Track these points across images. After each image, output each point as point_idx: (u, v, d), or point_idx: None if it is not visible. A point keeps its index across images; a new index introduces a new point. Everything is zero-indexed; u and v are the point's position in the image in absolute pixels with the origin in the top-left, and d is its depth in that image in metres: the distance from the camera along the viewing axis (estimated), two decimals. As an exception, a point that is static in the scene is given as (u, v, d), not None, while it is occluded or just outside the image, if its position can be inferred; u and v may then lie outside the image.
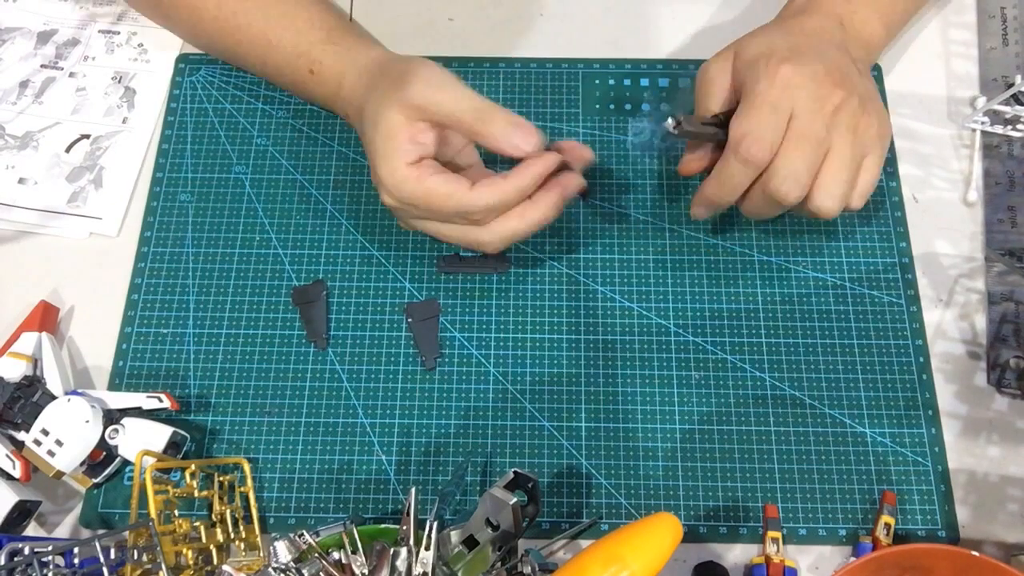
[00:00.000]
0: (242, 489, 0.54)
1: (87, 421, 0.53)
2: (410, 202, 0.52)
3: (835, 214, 0.52)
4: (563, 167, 0.54)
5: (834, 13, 0.57)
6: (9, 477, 0.53)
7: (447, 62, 0.68)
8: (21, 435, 0.53)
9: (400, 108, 0.51)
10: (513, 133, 0.51)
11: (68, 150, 0.66)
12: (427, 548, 0.48)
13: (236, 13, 0.60)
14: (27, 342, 0.56)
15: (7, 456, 0.53)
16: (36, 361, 0.56)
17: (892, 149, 0.65)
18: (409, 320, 0.59)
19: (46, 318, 0.58)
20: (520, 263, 0.61)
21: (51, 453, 0.52)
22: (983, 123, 0.65)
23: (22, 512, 0.52)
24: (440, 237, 0.55)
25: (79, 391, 0.55)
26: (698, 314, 0.60)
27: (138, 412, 0.55)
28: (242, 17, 0.60)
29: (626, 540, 0.46)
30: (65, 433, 0.52)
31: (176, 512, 0.51)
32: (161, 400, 0.55)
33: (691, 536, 0.54)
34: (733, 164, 0.52)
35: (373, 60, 0.57)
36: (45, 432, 0.53)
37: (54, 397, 0.54)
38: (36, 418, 0.53)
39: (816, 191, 0.51)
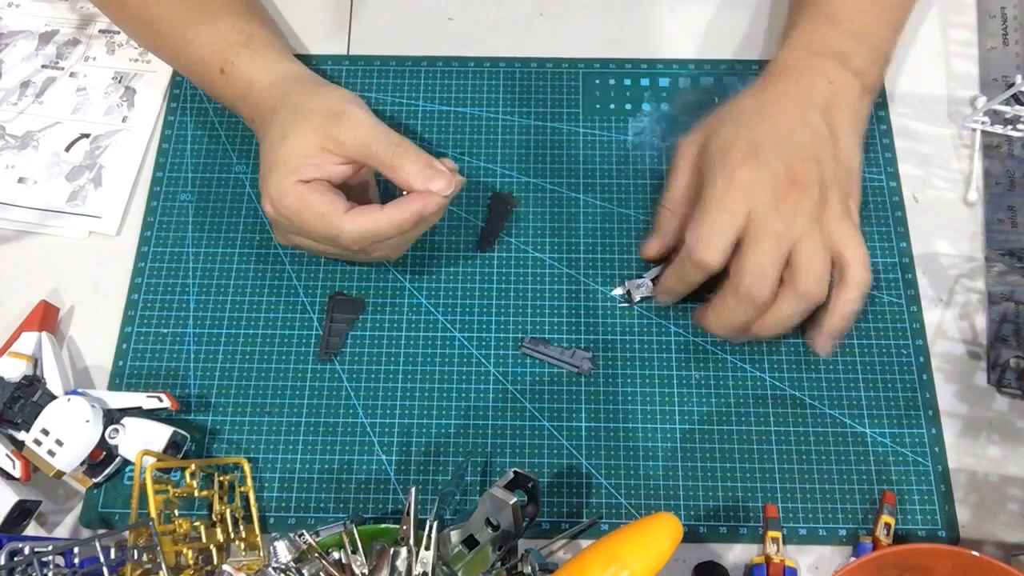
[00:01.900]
0: (242, 489, 0.54)
1: (87, 421, 0.53)
2: (287, 216, 0.53)
3: (822, 295, 0.52)
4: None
5: (830, 52, 0.57)
6: (9, 477, 0.53)
7: (447, 62, 0.68)
8: (21, 435, 0.53)
9: (319, 136, 0.52)
10: (427, 175, 0.52)
11: (68, 149, 0.66)
12: (427, 548, 0.48)
13: (159, 2, 0.60)
14: (27, 342, 0.56)
15: (7, 456, 0.53)
16: (36, 361, 0.56)
17: (892, 149, 0.65)
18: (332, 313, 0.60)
19: (46, 318, 0.58)
20: (520, 263, 0.61)
21: (51, 453, 0.52)
22: (983, 123, 0.65)
23: (22, 512, 0.52)
24: (319, 253, 0.57)
25: (79, 391, 0.55)
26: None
27: (138, 412, 0.55)
28: (164, 7, 0.60)
29: (626, 540, 0.46)
30: (65, 433, 0.52)
31: (176, 512, 0.51)
32: (161, 400, 0.55)
33: (691, 536, 0.54)
34: (687, 266, 0.53)
35: (288, 73, 0.58)
36: (45, 432, 0.52)
37: (54, 397, 0.54)
38: (36, 418, 0.53)
39: (798, 277, 0.51)
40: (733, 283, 0.52)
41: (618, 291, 0.59)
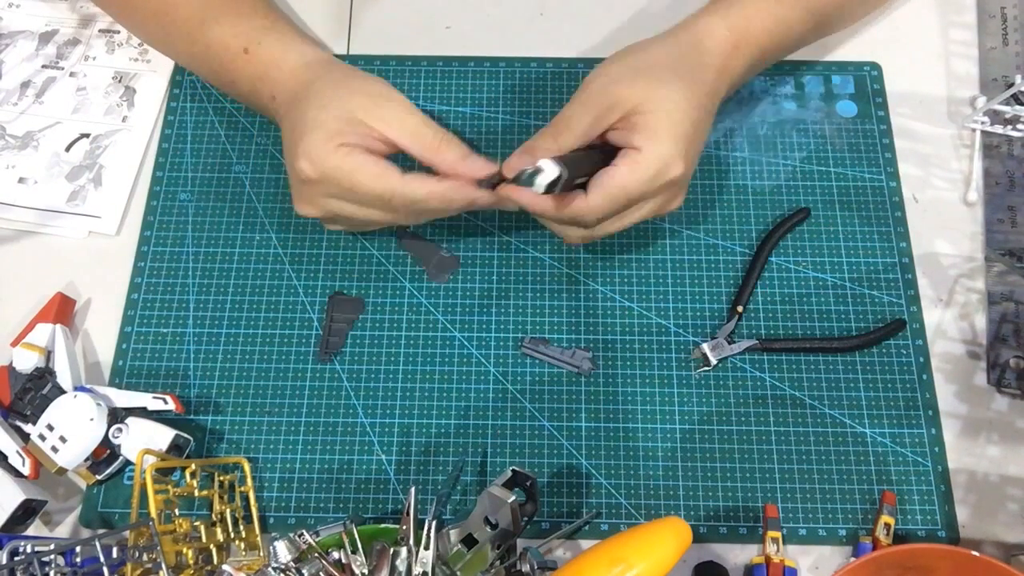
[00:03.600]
0: (242, 489, 0.54)
1: (92, 419, 0.53)
2: (333, 174, 0.52)
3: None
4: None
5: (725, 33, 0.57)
6: (17, 474, 0.53)
7: (447, 62, 0.68)
8: (28, 427, 0.54)
9: (363, 113, 0.52)
10: (470, 162, 0.53)
11: (68, 149, 0.66)
12: (426, 547, 0.48)
13: None
14: (41, 333, 0.56)
15: (17, 452, 0.53)
16: (49, 353, 0.56)
17: (892, 149, 0.65)
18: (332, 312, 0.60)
19: (61, 310, 0.58)
20: (520, 263, 0.61)
21: (55, 449, 0.52)
22: (983, 123, 0.65)
23: (27, 511, 0.52)
24: (349, 216, 0.55)
25: (87, 387, 0.55)
26: (698, 314, 0.60)
27: (142, 412, 0.55)
28: None
29: (631, 542, 0.46)
30: (70, 430, 0.52)
31: (176, 511, 0.51)
32: (166, 402, 0.55)
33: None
34: (601, 204, 0.51)
35: (322, 57, 0.58)
36: (50, 427, 0.53)
37: (63, 391, 0.54)
38: (44, 411, 0.53)
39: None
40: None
41: (696, 355, 0.58)
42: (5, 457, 0.53)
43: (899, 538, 0.53)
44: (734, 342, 0.58)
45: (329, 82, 0.55)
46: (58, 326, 0.57)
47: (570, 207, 0.51)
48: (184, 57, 0.65)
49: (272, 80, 0.57)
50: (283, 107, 0.56)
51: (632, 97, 0.51)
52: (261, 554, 0.53)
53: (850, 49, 0.69)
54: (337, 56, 0.68)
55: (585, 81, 0.54)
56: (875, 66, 0.68)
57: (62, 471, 0.52)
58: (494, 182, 0.52)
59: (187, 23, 0.60)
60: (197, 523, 0.51)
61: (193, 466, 0.53)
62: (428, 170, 0.53)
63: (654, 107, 0.51)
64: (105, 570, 0.46)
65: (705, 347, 0.58)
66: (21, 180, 0.64)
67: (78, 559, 0.47)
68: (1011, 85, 0.62)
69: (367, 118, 0.52)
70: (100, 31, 0.70)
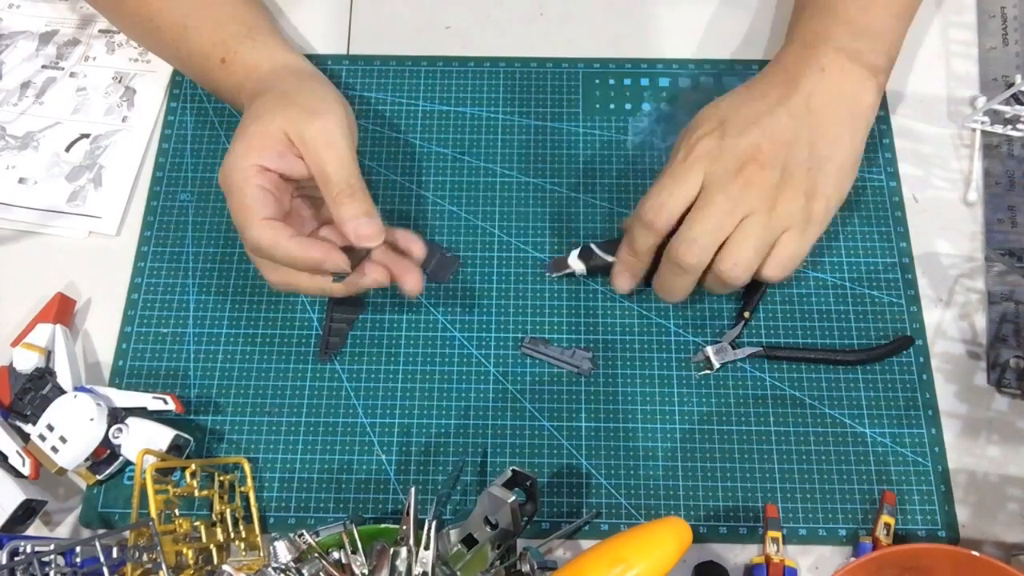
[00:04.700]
0: (242, 489, 0.54)
1: (92, 419, 0.53)
2: (225, 189, 0.52)
3: (741, 282, 0.52)
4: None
5: (823, 42, 0.55)
6: (17, 474, 0.53)
7: (447, 62, 0.68)
8: (28, 428, 0.54)
9: (288, 126, 0.51)
10: (358, 223, 0.51)
11: (68, 149, 0.66)
12: (426, 548, 0.48)
13: None
14: (41, 334, 0.56)
15: (17, 453, 0.53)
16: (49, 353, 0.56)
17: (892, 149, 0.65)
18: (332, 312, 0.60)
19: (61, 310, 0.58)
20: (520, 263, 0.61)
21: (55, 449, 0.52)
22: (983, 123, 0.65)
23: (27, 511, 0.52)
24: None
25: (87, 387, 0.55)
26: (698, 314, 0.60)
27: (142, 412, 0.55)
28: (164, 2, 0.60)
29: (631, 542, 0.46)
30: (69, 430, 0.52)
31: (176, 512, 0.51)
32: (166, 402, 0.55)
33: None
34: (637, 228, 0.54)
35: (290, 63, 0.58)
36: (50, 427, 0.53)
37: (63, 391, 0.54)
38: (44, 412, 0.53)
39: (720, 257, 0.52)
40: (669, 246, 0.52)
41: (698, 359, 0.58)
42: (5, 457, 0.53)
43: (899, 538, 0.53)
44: (738, 347, 0.58)
45: (276, 93, 0.54)
46: (58, 326, 0.57)
47: None
48: (173, 62, 0.65)
49: (246, 90, 0.58)
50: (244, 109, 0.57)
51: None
52: (261, 554, 0.53)
53: (850, 49, 0.69)
54: (337, 56, 0.69)
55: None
56: (875, 66, 0.67)
57: (62, 471, 0.52)
58: (343, 276, 0.52)
59: (171, 31, 0.61)
60: (197, 523, 0.51)
61: (193, 466, 0.53)
62: None
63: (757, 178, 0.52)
64: (105, 570, 0.46)
65: (709, 351, 0.58)
66: (21, 180, 0.64)
67: (78, 559, 0.47)
68: (1011, 85, 0.62)
69: (293, 135, 0.51)
70: (100, 31, 0.70)
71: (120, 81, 0.68)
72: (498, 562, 0.49)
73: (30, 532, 0.53)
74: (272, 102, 0.53)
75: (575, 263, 0.59)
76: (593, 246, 0.59)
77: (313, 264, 0.51)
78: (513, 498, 0.46)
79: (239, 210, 0.51)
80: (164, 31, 0.61)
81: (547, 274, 0.61)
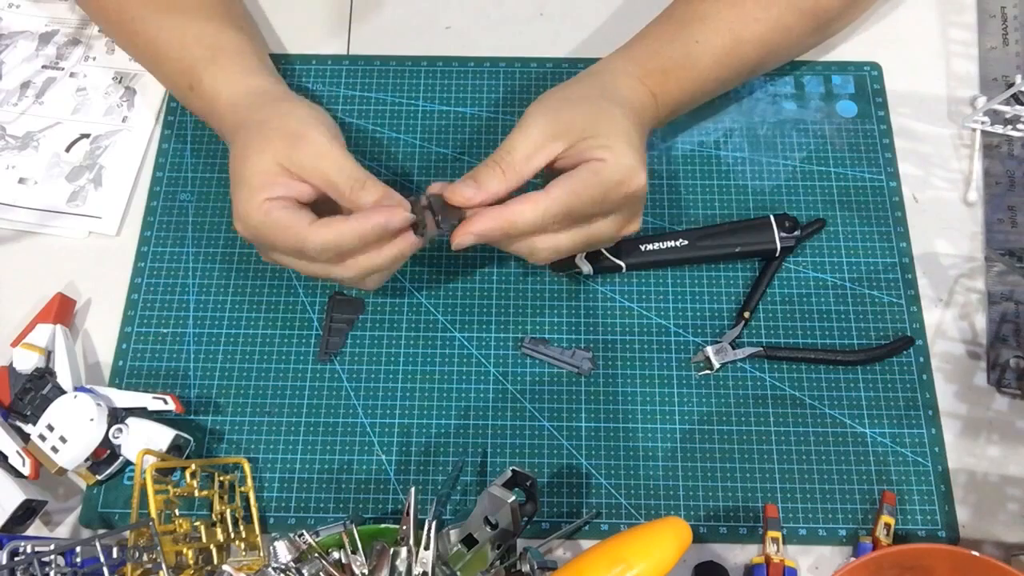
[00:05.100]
0: (242, 489, 0.54)
1: (92, 419, 0.53)
2: (255, 232, 0.51)
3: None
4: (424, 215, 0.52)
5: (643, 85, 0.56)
6: (17, 474, 0.53)
7: (447, 62, 0.68)
8: (28, 428, 0.54)
9: (279, 158, 0.51)
10: (381, 210, 0.50)
11: (68, 150, 0.66)
12: (426, 547, 0.48)
13: (134, 19, 0.60)
14: (41, 334, 0.56)
15: (17, 453, 0.53)
16: (49, 353, 0.56)
17: (892, 149, 0.65)
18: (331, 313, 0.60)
19: (61, 310, 0.58)
20: (520, 263, 0.61)
21: (55, 449, 0.52)
22: (983, 123, 0.65)
23: (27, 511, 0.52)
24: (300, 271, 0.53)
25: (87, 387, 0.55)
26: (697, 314, 0.60)
27: (142, 412, 0.55)
28: (139, 24, 0.60)
29: (631, 542, 0.46)
30: (70, 430, 0.52)
31: (176, 512, 0.51)
32: (166, 402, 0.55)
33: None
34: (547, 209, 0.50)
35: (252, 88, 0.57)
36: (50, 428, 0.53)
37: (63, 391, 0.54)
38: (44, 412, 0.53)
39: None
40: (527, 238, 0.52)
41: (698, 358, 0.58)
42: (5, 457, 0.53)
43: (899, 538, 0.53)
44: (738, 347, 0.58)
45: (252, 127, 0.53)
46: (58, 326, 0.57)
47: (533, 201, 0.49)
48: (160, 82, 0.65)
49: (214, 118, 0.58)
50: (228, 143, 0.56)
51: (579, 122, 0.51)
52: (261, 554, 0.53)
53: (850, 49, 0.69)
54: (337, 56, 0.68)
55: (523, 116, 0.52)
56: (875, 66, 0.68)
57: (62, 471, 0.52)
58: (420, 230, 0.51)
59: (147, 49, 0.61)
60: (197, 523, 0.51)
61: (193, 466, 0.53)
62: None
63: (607, 128, 0.51)
64: (105, 570, 0.46)
65: (709, 351, 0.58)
66: (21, 180, 0.64)
67: (78, 559, 0.48)
68: (1011, 85, 0.62)
69: (287, 164, 0.51)
70: (100, 31, 0.70)
71: (120, 81, 0.68)
72: (498, 562, 0.49)
73: (30, 532, 0.53)
74: (253, 139, 0.52)
75: (583, 263, 0.59)
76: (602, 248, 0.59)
77: (381, 229, 0.49)
78: (513, 498, 0.46)
79: (283, 235, 0.50)
80: (142, 48, 0.62)
81: (553, 273, 0.60)
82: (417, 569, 0.48)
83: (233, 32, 0.60)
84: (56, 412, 0.53)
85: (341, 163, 0.51)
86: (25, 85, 0.68)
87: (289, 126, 0.52)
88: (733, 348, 0.58)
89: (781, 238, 0.60)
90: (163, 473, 0.53)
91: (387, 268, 0.52)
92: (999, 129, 0.65)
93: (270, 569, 0.48)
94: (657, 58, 0.57)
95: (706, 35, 0.58)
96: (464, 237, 0.50)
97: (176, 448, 0.54)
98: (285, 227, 0.50)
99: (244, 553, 0.53)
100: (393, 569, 0.48)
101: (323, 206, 0.53)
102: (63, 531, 0.55)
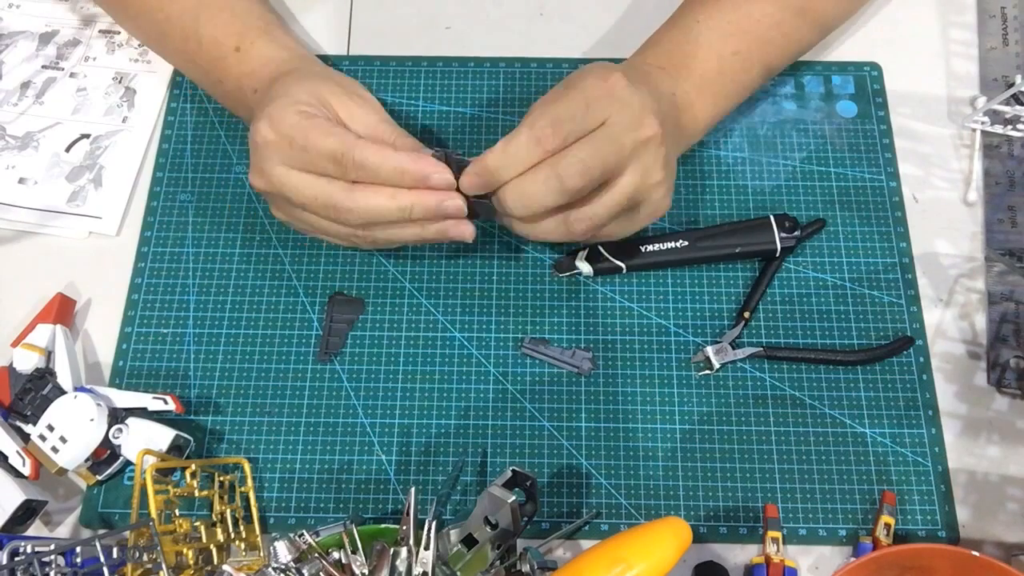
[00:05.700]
0: (242, 489, 0.54)
1: (92, 419, 0.53)
2: (288, 134, 0.50)
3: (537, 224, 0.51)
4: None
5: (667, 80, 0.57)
6: (17, 474, 0.53)
7: (447, 62, 0.68)
8: (28, 428, 0.54)
9: (333, 98, 0.53)
10: (430, 160, 0.49)
11: (68, 150, 0.66)
12: (426, 547, 0.48)
13: None
14: (41, 334, 0.56)
15: (17, 453, 0.53)
16: (49, 354, 0.56)
17: (892, 149, 0.65)
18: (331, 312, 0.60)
19: (61, 310, 0.58)
20: (520, 263, 0.61)
21: (55, 449, 0.52)
22: (983, 123, 0.65)
23: (27, 511, 0.52)
24: (300, 196, 0.51)
25: (87, 387, 0.55)
26: (697, 314, 0.60)
27: (143, 412, 0.55)
28: None
29: (631, 542, 0.46)
30: (70, 430, 0.52)
31: (176, 512, 0.51)
32: (167, 402, 0.55)
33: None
34: (522, 137, 0.48)
35: (307, 57, 0.61)
36: (51, 428, 0.53)
37: (63, 391, 0.54)
38: (44, 412, 0.53)
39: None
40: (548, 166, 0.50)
41: (698, 358, 0.58)
42: (5, 457, 0.53)
43: (899, 538, 0.53)
44: (738, 347, 0.58)
45: (307, 71, 0.57)
46: (58, 326, 0.57)
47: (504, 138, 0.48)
48: (177, 55, 0.64)
49: (258, 77, 0.58)
50: (263, 93, 0.56)
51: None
52: (261, 554, 0.53)
53: (850, 49, 0.69)
54: (337, 56, 0.69)
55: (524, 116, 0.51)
56: (875, 66, 0.68)
57: (62, 471, 0.52)
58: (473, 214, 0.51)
59: (181, 18, 0.61)
60: (197, 523, 0.51)
61: (193, 466, 0.53)
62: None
63: (603, 71, 0.51)
64: (105, 570, 0.46)
65: (709, 351, 0.58)
66: (21, 180, 0.64)
67: (78, 559, 0.47)
68: (1011, 85, 0.62)
69: (334, 103, 0.53)
70: (100, 32, 0.70)
71: (120, 81, 0.68)
72: (498, 562, 0.49)
73: (30, 532, 0.53)
74: (308, 75, 0.56)
75: (583, 265, 0.59)
76: (601, 248, 0.59)
77: (422, 177, 0.49)
78: (513, 498, 0.46)
79: (326, 140, 0.49)
80: (174, 19, 0.61)
81: (553, 275, 0.61)
82: (417, 569, 0.48)
83: (277, 17, 0.65)
84: (56, 412, 0.53)
85: (388, 119, 0.55)
86: (25, 85, 0.68)
87: (347, 83, 0.57)
88: (733, 348, 0.58)
89: (781, 238, 0.60)
90: (163, 473, 0.53)
91: (395, 216, 0.50)
92: (999, 129, 0.65)
93: (270, 569, 0.48)
94: (657, 46, 0.59)
95: (707, 12, 0.59)
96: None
97: (176, 448, 0.54)
98: (328, 130, 0.49)
99: (244, 553, 0.53)
100: (393, 569, 0.48)
101: None
102: (63, 531, 0.55)
